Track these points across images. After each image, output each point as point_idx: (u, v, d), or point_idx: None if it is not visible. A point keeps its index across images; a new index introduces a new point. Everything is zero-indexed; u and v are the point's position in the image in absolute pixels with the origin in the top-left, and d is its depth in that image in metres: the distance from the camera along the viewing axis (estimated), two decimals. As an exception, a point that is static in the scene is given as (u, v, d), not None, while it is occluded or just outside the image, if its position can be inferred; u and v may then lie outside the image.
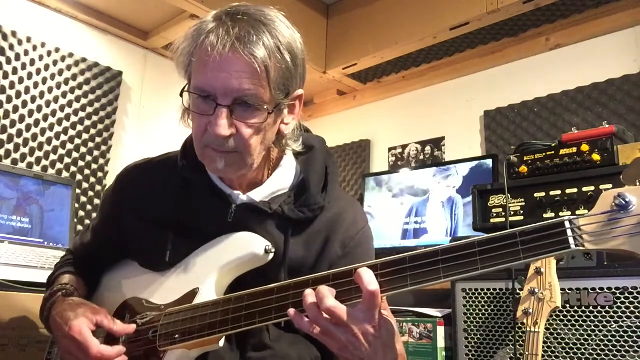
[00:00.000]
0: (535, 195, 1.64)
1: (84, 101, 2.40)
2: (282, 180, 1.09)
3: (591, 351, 1.36)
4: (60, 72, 2.34)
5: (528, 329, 1.30)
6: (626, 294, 1.34)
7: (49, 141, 2.27)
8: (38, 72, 2.27)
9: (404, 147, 2.83)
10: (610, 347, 1.34)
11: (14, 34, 2.21)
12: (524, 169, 1.72)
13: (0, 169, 1.96)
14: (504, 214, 1.69)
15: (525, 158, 1.73)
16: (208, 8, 2.27)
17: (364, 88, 3.07)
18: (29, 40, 2.25)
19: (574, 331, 1.40)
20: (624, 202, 0.73)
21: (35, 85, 2.25)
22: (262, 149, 1.01)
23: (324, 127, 3.20)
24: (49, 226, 2.02)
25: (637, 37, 2.13)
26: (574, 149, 1.63)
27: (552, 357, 1.41)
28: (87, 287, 1.20)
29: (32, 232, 1.96)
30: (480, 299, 1.60)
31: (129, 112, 2.61)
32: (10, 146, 2.15)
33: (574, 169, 1.62)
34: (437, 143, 2.70)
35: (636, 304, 1.32)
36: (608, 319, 1.35)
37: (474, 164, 2.32)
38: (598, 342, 1.35)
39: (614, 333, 1.34)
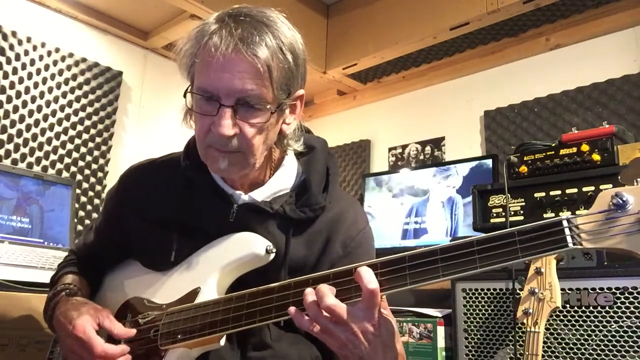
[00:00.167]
0: (535, 195, 1.64)
1: (84, 101, 2.40)
2: (283, 180, 1.10)
3: (591, 351, 1.36)
4: (60, 72, 2.34)
5: (528, 329, 1.30)
6: (626, 294, 1.34)
7: (49, 141, 2.27)
8: (38, 72, 2.27)
9: (404, 147, 2.83)
10: (610, 347, 1.34)
11: (14, 34, 2.21)
12: (524, 169, 1.72)
13: (0, 169, 1.96)
14: (504, 214, 1.69)
15: (525, 158, 1.73)
16: (208, 8, 2.27)
17: (364, 88, 3.07)
18: (29, 40, 2.25)
19: (574, 331, 1.40)
20: (621, 201, 0.74)
21: (35, 85, 2.25)
22: (265, 149, 1.02)
23: (324, 127, 3.20)
24: (49, 226, 2.02)
25: (637, 37, 2.13)
26: (574, 149, 1.63)
27: (552, 357, 1.41)
28: (89, 287, 1.21)
29: (32, 232, 1.96)
30: (480, 299, 1.60)
31: (129, 112, 2.61)
32: (10, 146, 2.15)
33: (574, 169, 1.62)
34: (437, 143, 2.70)
35: (636, 304, 1.32)
36: (608, 319, 1.35)
37: (474, 164, 2.32)
38: (598, 342, 1.35)
39: (614, 333, 1.34)
